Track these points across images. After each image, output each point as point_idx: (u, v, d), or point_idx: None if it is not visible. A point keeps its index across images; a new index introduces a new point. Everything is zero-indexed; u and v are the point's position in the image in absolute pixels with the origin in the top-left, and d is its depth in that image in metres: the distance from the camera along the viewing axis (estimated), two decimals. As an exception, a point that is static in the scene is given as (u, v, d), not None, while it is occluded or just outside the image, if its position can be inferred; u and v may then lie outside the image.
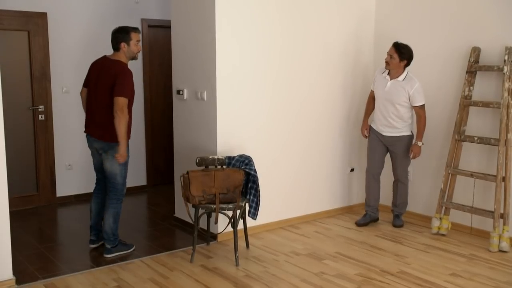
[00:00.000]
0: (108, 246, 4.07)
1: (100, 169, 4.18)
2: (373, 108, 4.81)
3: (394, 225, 4.86)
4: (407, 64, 4.55)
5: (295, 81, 4.82)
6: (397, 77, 4.54)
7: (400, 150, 4.70)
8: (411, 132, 4.70)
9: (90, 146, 4.14)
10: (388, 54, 4.54)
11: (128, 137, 3.99)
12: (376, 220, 4.97)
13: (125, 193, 4.18)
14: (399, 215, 4.89)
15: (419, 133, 4.58)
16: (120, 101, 3.82)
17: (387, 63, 4.56)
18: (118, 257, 4.05)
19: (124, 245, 4.17)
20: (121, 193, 4.12)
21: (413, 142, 4.65)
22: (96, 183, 4.31)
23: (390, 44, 5.32)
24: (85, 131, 4.14)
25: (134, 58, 4.07)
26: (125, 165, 4.05)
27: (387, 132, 4.68)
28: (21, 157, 5.54)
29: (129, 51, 4.01)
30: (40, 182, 5.66)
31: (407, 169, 4.83)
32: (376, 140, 4.77)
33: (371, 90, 4.83)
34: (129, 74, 3.94)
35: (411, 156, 4.64)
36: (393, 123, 4.63)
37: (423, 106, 4.55)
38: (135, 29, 4.04)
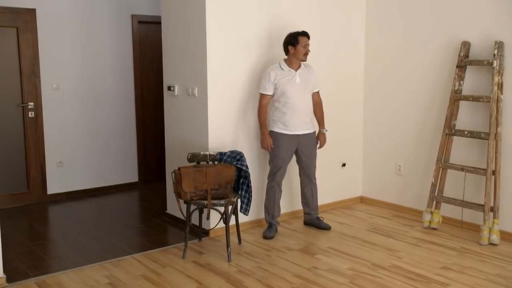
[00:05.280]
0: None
1: None
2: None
3: (326, 228, 4.60)
4: None
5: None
6: (299, 66, 4.34)
7: (313, 147, 4.49)
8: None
9: None
10: (306, 46, 4.28)
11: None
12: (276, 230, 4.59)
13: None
14: (320, 218, 4.71)
15: (323, 119, 4.56)
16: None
17: (306, 55, 4.30)
18: (109, 255, 4.04)
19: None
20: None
21: (319, 131, 4.53)
22: None
23: (382, 39, 5.33)
24: None
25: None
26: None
27: (303, 130, 4.37)
28: (11, 155, 5.50)
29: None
30: (31, 180, 5.62)
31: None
32: (287, 145, 4.36)
33: (266, 96, 4.31)
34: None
35: (319, 146, 4.51)
36: (308, 117, 4.39)
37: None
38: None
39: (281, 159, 4.38)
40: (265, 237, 4.40)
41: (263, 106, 4.33)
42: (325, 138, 4.56)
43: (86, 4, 5.82)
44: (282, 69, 4.31)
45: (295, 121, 4.33)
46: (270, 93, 4.31)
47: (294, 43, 4.27)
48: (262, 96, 4.34)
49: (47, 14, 5.56)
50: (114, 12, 6.04)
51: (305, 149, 4.44)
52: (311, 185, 4.60)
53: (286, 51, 4.34)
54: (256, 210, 4.65)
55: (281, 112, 4.32)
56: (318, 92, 4.52)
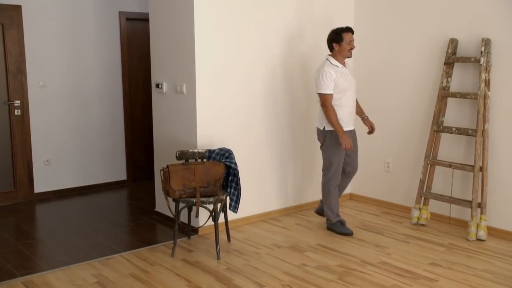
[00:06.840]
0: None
1: None
2: None
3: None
4: None
5: (276, 75, 4.81)
6: (345, 62, 4.33)
7: (356, 140, 4.51)
8: None
9: None
10: (351, 42, 4.23)
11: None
12: None
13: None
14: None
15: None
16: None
17: (351, 50, 4.27)
18: (98, 253, 4.02)
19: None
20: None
21: (365, 117, 4.52)
22: None
23: (370, 36, 5.34)
24: None
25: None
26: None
27: (352, 125, 4.38)
28: (-3, 153, 5.45)
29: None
30: (17, 178, 5.57)
31: None
32: None
33: (330, 95, 4.18)
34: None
35: (372, 130, 4.52)
36: (354, 112, 4.43)
37: None
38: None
39: (341, 157, 4.34)
40: (347, 234, 4.37)
41: (331, 105, 4.16)
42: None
43: (73, 1, 5.77)
44: (337, 66, 4.21)
45: (350, 117, 4.32)
46: (333, 91, 4.19)
47: (339, 40, 4.18)
48: (326, 96, 4.16)
49: (33, 10, 5.49)
50: (101, 9, 5.99)
51: (353, 142, 4.40)
52: (352, 176, 4.61)
53: (331, 48, 4.27)
54: (245, 207, 4.64)
55: (338, 108, 4.22)
56: None
